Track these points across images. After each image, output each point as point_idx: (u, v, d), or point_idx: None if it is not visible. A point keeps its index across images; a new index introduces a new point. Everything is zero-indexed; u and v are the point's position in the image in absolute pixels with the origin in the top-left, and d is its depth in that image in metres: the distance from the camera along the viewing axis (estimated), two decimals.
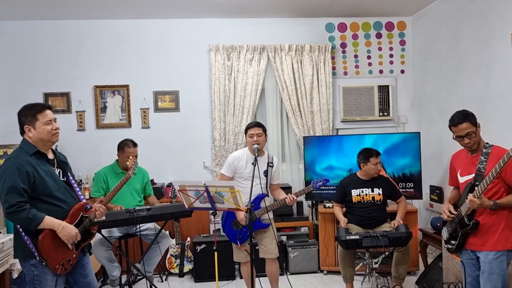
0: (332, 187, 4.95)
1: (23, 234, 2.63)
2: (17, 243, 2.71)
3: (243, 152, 3.89)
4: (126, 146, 4.38)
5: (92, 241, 3.02)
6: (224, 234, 3.96)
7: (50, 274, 2.66)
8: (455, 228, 3.05)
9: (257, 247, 4.02)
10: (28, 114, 2.70)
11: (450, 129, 3.03)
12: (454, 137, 3.01)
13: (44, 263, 2.62)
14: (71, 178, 2.89)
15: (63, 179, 2.82)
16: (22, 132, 2.74)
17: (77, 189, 2.90)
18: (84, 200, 2.87)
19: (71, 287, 2.88)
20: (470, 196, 2.82)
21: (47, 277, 2.66)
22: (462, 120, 2.93)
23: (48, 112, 2.73)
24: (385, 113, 5.62)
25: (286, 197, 3.68)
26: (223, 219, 3.91)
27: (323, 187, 4.97)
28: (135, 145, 4.43)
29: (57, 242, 2.66)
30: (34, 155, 2.67)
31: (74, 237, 2.69)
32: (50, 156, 2.81)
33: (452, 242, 3.08)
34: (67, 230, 2.66)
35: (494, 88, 4.18)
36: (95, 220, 2.87)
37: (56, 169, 2.80)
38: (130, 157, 3.32)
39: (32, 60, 5.31)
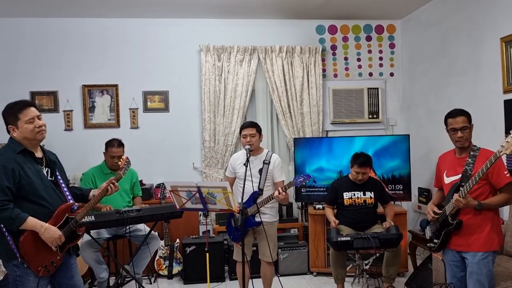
0: (321, 189, 4.97)
1: (6, 234, 2.58)
2: (0, 243, 2.64)
3: (242, 153, 3.91)
4: (109, 146, 4.33)
5: (79, 242, 2.97)
6: (215, 235, 3.94)
7: (33, 275, 2.61)
8: (439, 227, 3.09)
9: (253, 248, 4.03)
10: (10, 114, 2.66)
11: (445, 123, 3.08)
12: (448, 129, 3.05)
13: (25, 265, 2.57)
14: (59, 177, 2.83)
15: (51, 179, 2.77)
16: (8, 132, 2.69)
17: (65, 189, 2.84)
18: (71, 201, 2.81)
19: None
20: (456, 195, 2.86)
21: (30, 278, 2.61)
22: (461, 114, 3.03)
23: (30, 109, 2.66)
24: (375, 116, 5.66)
25: (275, 192, 3.62)
26: (230, 214, 3.86)
27: (313, 189, 5.01)
28: (120, 145, 4.37)
29: (40, 244, 2.60)
30: (21, 153, 2.63)
31: (57, 239, 2.63)
32: (39, 154, 2.76)
33: (435, 241, 3.11)
34: (49, 232, 2.60)
35: (483, 92, 4.24)
36: (82, 221, 2.82)
37: (44, 168, 2.75)
38: (123, 157, 3.26)
39: (19, 58, 5.22)
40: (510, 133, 2.62)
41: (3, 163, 2.54)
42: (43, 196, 2.65)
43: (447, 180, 3.12)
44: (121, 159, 3.19)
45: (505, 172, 2.91)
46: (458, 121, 3.00)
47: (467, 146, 3.03)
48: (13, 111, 2.64)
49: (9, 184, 2.52)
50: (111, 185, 2.93)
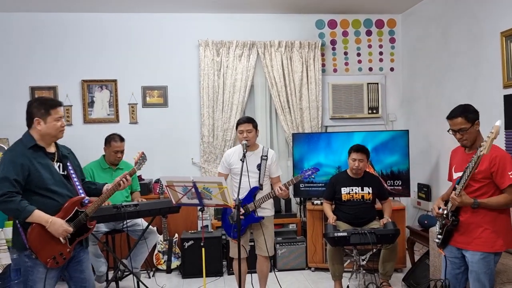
0: (320, 184, 4.96)
1: (18, 225, 2.68)
2: (14, 234, 2.75)
3: (236, 149, 3.91)
4: (112, 140, 4.35)
5: None
6: (213, 230, 3.94)
7: (42, 266, 2.68)
8: (443, 223, 3.06)
9: (251, 243, 4.02)
10: (42, 108, 2.74)
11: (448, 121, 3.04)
12: (449, 130, 3.01)
13: (33, 256, 2.64)
14: (72, 172, 2.88)
15: (63, 173, 2.83)
16: (30, 124, 2.77)
17: (77, 183, 2.89)
18: (82, 195, 2.86)
19: (67, 282, 2.90)
20: (452, 193, 2.85)
21: (39, 269, 2.69)
22: (458, 115, 2.93)
23: (60, 109, 2.80)
24: (374, 111, 5.63)
25: (276, 189, 3.65)
26: (223, 212, 3.91)
27: (311, 185, 5.00)
28: (122, 139, 4.40)
29: (48, 236, 2.67)
30: (32, 148, 2.71)
31: (63, 233, 2.69)
32: (51, 149, 2.83)
33: (439, 236, 3.10)
34: (54, 225, 2.66)
35: (483, 87, 4.20)
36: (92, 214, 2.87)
37: (56, 163, 2.81)
38: (138, 151, 3.21)
39: (18, 53, 5.22)
40: (488, 135, 2.56)
41: (11, 158, 2.64)
42: (52, 190, 2.71)
43: (455, 175, 3.09)
44: (137, 153, 3.17)
45: (510, 173, 2.81)
46: (456, 122, 2.94)
47: (469, 146, 2.97)
48: (47, 107, 2.74)
49: (17, 177, 2.60)
50: (124, 179, 2.98)
